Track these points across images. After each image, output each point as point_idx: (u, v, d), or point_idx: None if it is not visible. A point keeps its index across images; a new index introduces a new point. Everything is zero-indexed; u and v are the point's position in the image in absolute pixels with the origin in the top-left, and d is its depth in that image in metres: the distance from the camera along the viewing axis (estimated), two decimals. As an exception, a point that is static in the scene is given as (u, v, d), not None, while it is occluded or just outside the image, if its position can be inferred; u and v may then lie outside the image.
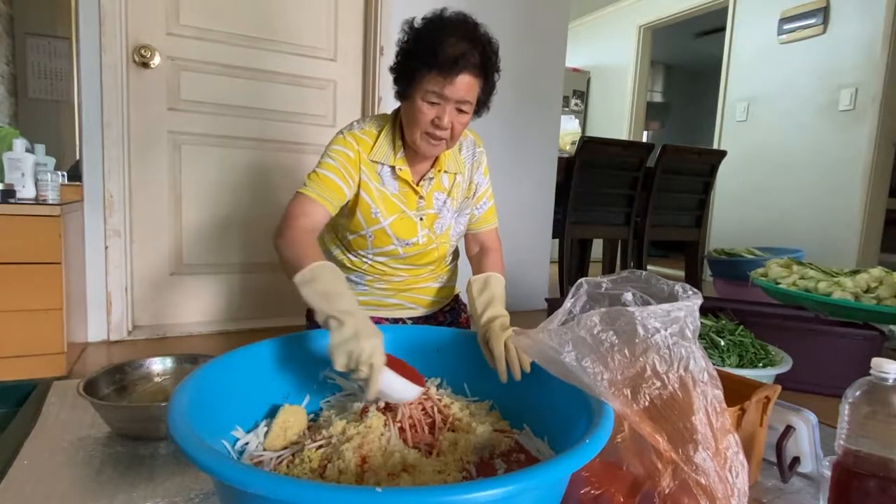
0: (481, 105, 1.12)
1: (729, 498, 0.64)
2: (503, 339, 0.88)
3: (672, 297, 0.76)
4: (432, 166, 1.19)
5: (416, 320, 1.30)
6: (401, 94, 1.11)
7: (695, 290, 0.75)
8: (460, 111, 1.05)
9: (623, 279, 0.81)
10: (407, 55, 1.07)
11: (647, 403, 0.66)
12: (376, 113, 2.12)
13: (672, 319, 0.69)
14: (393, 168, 1.15)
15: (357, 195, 1.14)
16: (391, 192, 1.16)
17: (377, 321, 1.26)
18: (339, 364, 0.73)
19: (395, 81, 1.11)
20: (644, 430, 0.65)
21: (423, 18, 1.07)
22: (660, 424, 0.65)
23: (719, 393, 0.69)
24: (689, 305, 0.70)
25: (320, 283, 0.82)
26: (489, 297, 1.04)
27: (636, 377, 0.67)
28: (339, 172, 1.10)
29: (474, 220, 1.27)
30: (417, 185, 1.17)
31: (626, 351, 0.67)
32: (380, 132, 1.15)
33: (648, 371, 0.67)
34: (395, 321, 1.28)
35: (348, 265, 1.23)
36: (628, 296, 0.78)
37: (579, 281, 0.80)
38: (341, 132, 1.16)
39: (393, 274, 1.23)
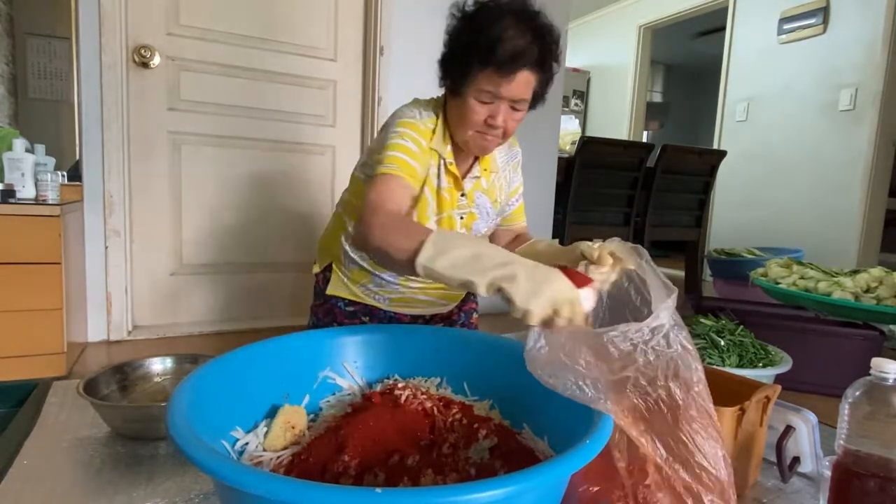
0: (537, 99, 1.03)
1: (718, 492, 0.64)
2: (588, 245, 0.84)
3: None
4: (476, 163, 1.12)
5: (434, 317, 1.28)
6: (451, 90, 1.01)
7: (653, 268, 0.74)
8: (515, 109, 0.98)
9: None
10: (459, 47, 0.96)
11: (632, 407, 0.66)
12: (377, 112, 2.12)
13: (653, 329, 0.65)
14: (444, 161, 1.06)
15: (421, 191, 1.05)
16: (443, 186, 1.08)
17: (399, 319, 1.23)
18: (538, 316, 0.64)
19: (445, 75, 1.00)
20: (630, 432, 0.65)
21: (475, 2, 0.95)
22: (646, 426, 0.65)
23: (705, 390, 0.69)
24: (667, 306, 0.67)
25: (452, 250, 0.70)
26: (548, 247, 1.04)
27: (620, 383, 0.66)
28: (416, 156, 1.00)
29: (506, 216, 1.24)
30: (462, 181, 1.10)
31: (605, 367, 0.65)
32: (437, 120, 1.06)
33: (631, 382, 0.65)
34: (415, 318, 1.25)
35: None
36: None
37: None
38: (410, 115, 1.04)
39: None
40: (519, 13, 0.93)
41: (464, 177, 1.11)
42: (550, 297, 0.64)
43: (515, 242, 1.21)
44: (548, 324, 0.65)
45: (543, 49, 0.94)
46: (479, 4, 0.95)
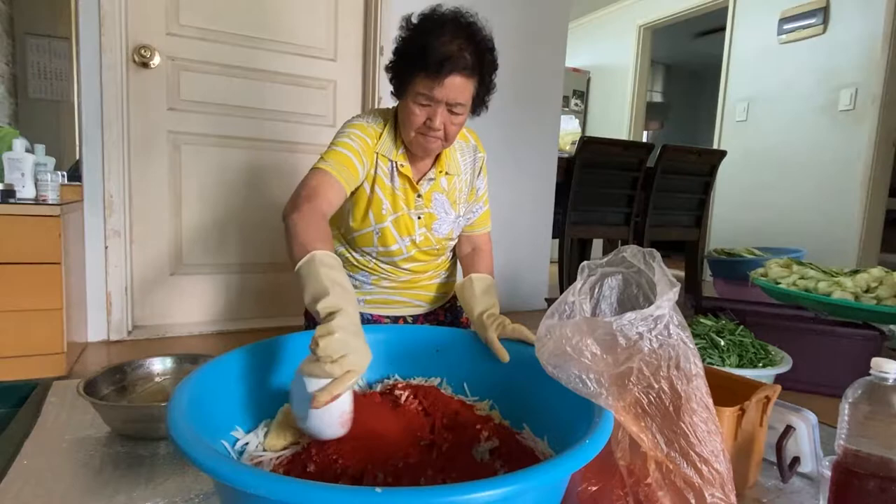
0: (478, 105, 1.09)
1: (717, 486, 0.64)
2: (492, 328, 0.95)
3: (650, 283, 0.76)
4: (433, 166, 1.18)
5: (417, 318, 1.30)
6: (395, 94, 1.10)
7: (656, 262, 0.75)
8: (453, 112, 1.03)
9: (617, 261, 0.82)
10: (398, 55, 1.05)
11: (634, 402, 0.66)
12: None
13: (656, 318, 0.67)
14: (395, 163, 1.14)
15: (372, 190, 1.13)
16: (395, 187, 1.15)
17: (377, 320, 1.26)
18: (324, 349, 0.65)
19: (390, 81, 1.09)
20: (630, 429, 0.65)
21: (418, 14, 1.04)
22: (647, 422, 0.65)
23: (704, 385, 0.69)
24: (669, 297, 0.68)
25: (320, 270, 0.76)
26: (471, 296, 1.08)
27: (622, 376, 0.67)
28: (356, 153, 1.07)
29: (469, 222, 1.28)
30: (417, 183, 1.16)
31: (610, 359, 0.66)
32: (384, 126, 1.14)
33: (634, 374, 0.66)
34: (395, 320, 1.28)
35: (354, 263, 1.22)
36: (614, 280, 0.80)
37: (581, 265, 0.82)
38: (359, 120, 1.14)
39: (397, 273, 1.22)
40: (453, 21, 1.00)
41: (420, 178, 1.17)
42: (346, 343, 0.66)
43: (474, 254, 1.26)
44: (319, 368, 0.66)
45: (475, 55, 1.01)
46: (422, 16, 1.04)
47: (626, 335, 0.66)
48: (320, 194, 0.97)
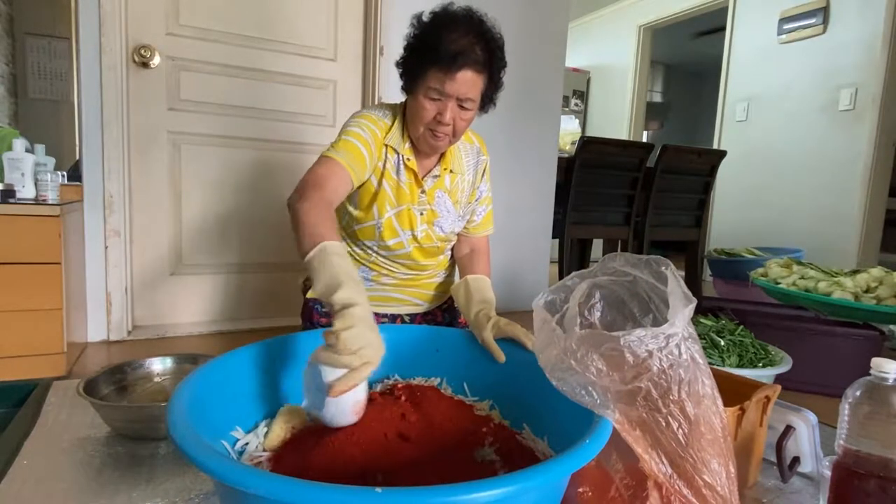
0: (486, 101, 1.12)
1: None
2: (487, 328, 0.94)
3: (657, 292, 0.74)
4: (438, 163, 1.19)
5: (415, 318, 1.30)
6: (405, 89, 1.11)
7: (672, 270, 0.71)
8: (463, 108, 1.05)
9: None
10: (410, 50, 1.08)
11: (641, 422, 0.64)
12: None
13: (668, 336, 0.63)
14: (402, 156, 1.15)
15: (380, 183, 1.14)
16: (401, 181, 1.15)
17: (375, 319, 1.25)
18: (344, 341, 0.66)
19: (401, 76, 1.11)
20: (635, 448, 0.63)
21: (430, 12, 1.07)
22: (653, 445, 0.63)
23: (720, 409, 0.67)
24: (684, 315, 0.66)
25: (335, 261, 0.77)
26: (467, 297, 1.08)
27: (630, 395, 0.64)
28: (366, 144, 1.08)
29: (471, 224, 1.28)
30: (422, 179, 1.17)
31: (616, 376, 0.63)
32: (394, 119, 1.16)
33: (642, 394, 0.63)
34: (393, 318, 1.28)
35: (355, 258, 1.22)
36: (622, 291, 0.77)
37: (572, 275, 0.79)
38: (368, 112, 1.14)
39: (397, 269, 1.23)
40: (465, 18, 1.03)
41: (425, 175, 1.18)
42: (362, 336, 0.68)
43: (471, 256, 1.27)
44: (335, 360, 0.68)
45: (486, 51, 1.03)
46: (434, 13, 1.06)
47: (633, 352, 0.62)
48: (328, 184, 0.98)
